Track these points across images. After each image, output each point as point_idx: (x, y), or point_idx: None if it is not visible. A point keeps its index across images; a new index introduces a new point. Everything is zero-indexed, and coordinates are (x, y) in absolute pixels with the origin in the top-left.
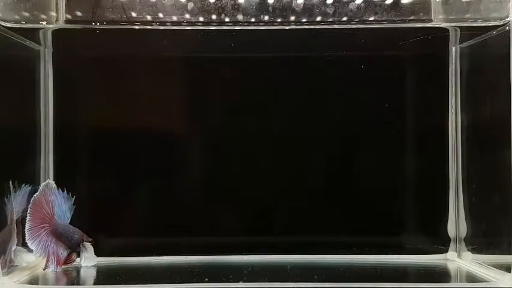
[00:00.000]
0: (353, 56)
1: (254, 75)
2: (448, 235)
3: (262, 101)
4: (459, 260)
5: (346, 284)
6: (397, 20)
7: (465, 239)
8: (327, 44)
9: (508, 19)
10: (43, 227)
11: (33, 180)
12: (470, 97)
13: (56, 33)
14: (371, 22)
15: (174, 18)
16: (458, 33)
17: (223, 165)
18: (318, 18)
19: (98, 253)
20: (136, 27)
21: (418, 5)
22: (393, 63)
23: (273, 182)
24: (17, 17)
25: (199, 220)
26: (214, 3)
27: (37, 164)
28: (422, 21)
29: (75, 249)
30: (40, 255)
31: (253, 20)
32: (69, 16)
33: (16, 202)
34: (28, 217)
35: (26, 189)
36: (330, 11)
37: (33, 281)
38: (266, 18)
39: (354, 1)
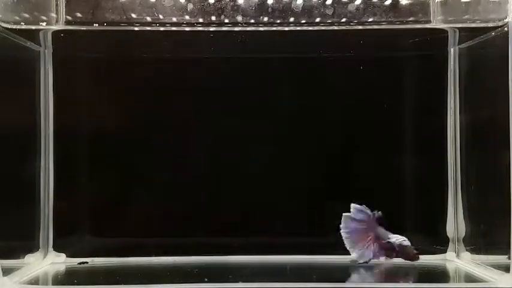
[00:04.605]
0: (352, 57)
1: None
2: (446, 235)
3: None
4: (458, 260)
5: (345, 284)
6: (396, 21)
7: (464, 239)
8: (326, 45)
9: (506, 20)
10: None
11: (34, 181)
12: (469, 98)
13: (56, 34)
14: (370, 23)
15: (174, 19)
16: (457, 34)
17: (222, 166)
18: (317, 20)
19: (99, 253)
20: (136, 28)
21: (417, 6)
22: (392, 64)
23: (273, 182)
24: (17, 18)
25: (199, 220)
26: None
27: (37, 164)
28: (421, 22)
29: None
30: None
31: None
32: (69, 17)
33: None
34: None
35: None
36: (329, 12)
37: (33, 281)
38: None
39: (352, 2)
